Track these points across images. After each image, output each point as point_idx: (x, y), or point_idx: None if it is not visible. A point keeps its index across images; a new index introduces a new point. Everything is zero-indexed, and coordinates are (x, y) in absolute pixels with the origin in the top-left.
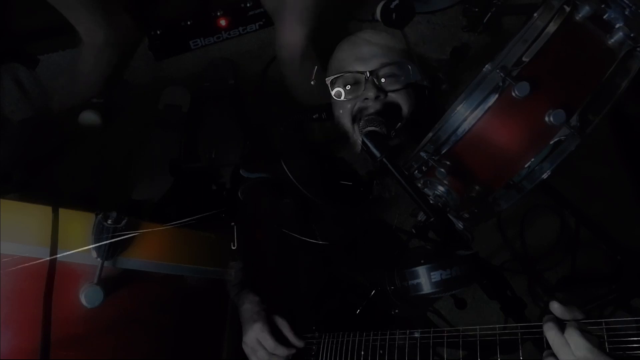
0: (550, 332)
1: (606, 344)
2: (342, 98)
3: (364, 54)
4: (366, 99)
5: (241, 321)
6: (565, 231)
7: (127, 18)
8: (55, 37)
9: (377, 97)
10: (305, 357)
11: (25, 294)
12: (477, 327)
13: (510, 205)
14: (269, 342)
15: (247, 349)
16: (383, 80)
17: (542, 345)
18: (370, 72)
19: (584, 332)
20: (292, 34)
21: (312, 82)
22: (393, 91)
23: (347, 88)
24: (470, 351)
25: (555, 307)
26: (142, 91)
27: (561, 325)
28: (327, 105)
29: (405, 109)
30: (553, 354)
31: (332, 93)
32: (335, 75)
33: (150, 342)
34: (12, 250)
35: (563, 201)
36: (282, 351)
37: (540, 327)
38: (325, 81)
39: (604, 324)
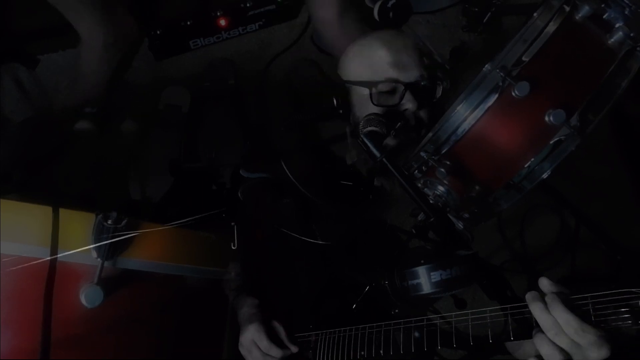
0: (537, 310)
1: (592, 317)
2: (379, 106)
3: (403, 62)
4: (406, 110)
5: (239, 324)
6: (565, 231)
7: (128, 18)
8: (55, 37)
9: (417, 109)
10: (302, 353)
11: (25, 294)
12: (469, 311)
13: (510, 205)
14: (264, 342)
15: (242, 350)
16: (420, 88)
17: (530, 324)
18: (410, 84)
19: (570, 306)
20: None
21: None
22: (425, 106)
23: (383, 91)
24: (465, 342)
25: (545, 283)
26: (142, 91)
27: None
28: (344, 101)
29: (426, 121)
30: (542, 330)
31: (370, 98)
32: (375, 81)
33: (151, 342)
34: (13, 250)
35: (563, 201)
36: (276, 352)
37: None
38: (320, 76)
39: (589, 298)
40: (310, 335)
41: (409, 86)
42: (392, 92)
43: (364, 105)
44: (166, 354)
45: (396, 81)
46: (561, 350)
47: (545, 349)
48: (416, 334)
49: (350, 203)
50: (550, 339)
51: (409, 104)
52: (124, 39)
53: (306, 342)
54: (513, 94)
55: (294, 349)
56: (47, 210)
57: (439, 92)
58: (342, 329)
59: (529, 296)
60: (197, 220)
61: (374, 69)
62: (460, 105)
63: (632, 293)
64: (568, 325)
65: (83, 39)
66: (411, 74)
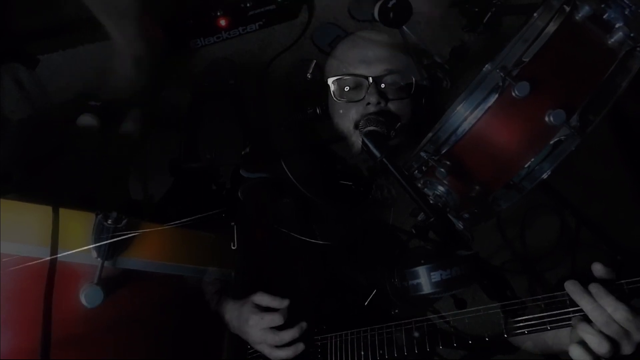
0: (584, 300)
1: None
2: (342, 99)
3: (369, 57)
4: (368, 104)
5: (233, 329)
6: (565, 231)
7: (159, 30)
8: (55, 37)
9: (378, 103)
10: (311, 355)
11: (25, 294)
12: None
13: (510, 205)
14: (275, 337)
15: (261, 347)
16: (383, 85)
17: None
18: (374, 77)
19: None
20: None
21: (308, 76)
22: (394, 99)
23: (346, 89)
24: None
25: (598, 267)
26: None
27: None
28: (324, 101)
29: (404, 119)
30: (584, 319)
31: (332, 93)
32: (338, 77)
33: (150, 342)
34: (13, 250)
35: (563, 201)
36: (289, 335)
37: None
38: (319, 76)
39: (625, 285)
40: (318, 340)
41: (373, 80)
42: (357, 87)
43: (332, 105)
44: (166, 354)
45: (359, 76)
46: (609, 338)
47: (593, 339)
48: (416, 334)
49: (350, 203)
50: (598, 329)
51: (370, 97)
52: (155, 51)
53: (313, 348)
54: (513, 94)
55: (283, 304)
56: (47, 209)
57: (415, 79)
58: (349, 332)
59: (571, 287)
60: (197, 220)
61: (340, 66)
62: (461, 106)
63: None
64: (617, 312)
65: (119, 50)
66: (376, 69)
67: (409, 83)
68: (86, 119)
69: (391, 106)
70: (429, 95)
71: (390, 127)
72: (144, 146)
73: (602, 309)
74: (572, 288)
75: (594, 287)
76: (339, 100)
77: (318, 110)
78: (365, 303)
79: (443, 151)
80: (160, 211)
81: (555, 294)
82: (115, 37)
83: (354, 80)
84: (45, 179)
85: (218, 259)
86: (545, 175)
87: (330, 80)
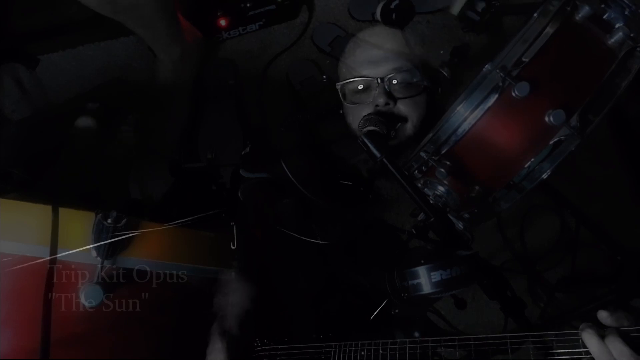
0: (592, 341)
1: None
2: (353, 103)
3: (375, 58)
4: (377, 105)
5: None
6: (565, 231)
7: (196, 30)
8: (55, 37)
9: (386, 104)
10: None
11: (25, 293)
12: (472, 336)
13: (511, 205)
14: None
15: None
16: (394, 82)
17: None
18: (381, 78)
19: (626, 338)
20: None
21: (323, 78)
22: (403, 98)
23: (357, 91)
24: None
25: (604, 316)
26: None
27: (600, 331)
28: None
29: (413, 119)
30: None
31: (342, 97)
32: (346, 81)
33: (150, 341)
34: (12, 250)
35: (563, 201)
36: None
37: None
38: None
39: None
40: (321, 348)
41: (381, 80)
42: (366, 89)
43: (345, 107)
44: (166, 354)
45: (367, 77)
46: None
47: None
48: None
49: (350, 203)
50: None
51: (378, 98)
52: (195, 52)
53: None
54: (513, 94)
55: None
56: (47, 209)
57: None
58: (354, 343)
59: (583, 326)
60: (197, 220)
61: (348, 69)
62: (461, 106)
63: None
64: (622, 356)
65: (159, 56)
66: (382, 69)
67: (417, 81)
68: (84, 122)
69: (401, 106)
70: (432, 95)
71: (390, 127)
72: (139, 150)
73: (608, 350)
74: (582, 327)
75: (607, 330)
76: (349, 104)
77: (335, 108)
78: (375, 312)
79: (443, 151)
80: (160, 211)
81: (566, 332)
82: (153, 43)
83: (362, 82)
84: (45, 178)
85: (218, 259)
86: (545, 175)
87: (339, 86)
